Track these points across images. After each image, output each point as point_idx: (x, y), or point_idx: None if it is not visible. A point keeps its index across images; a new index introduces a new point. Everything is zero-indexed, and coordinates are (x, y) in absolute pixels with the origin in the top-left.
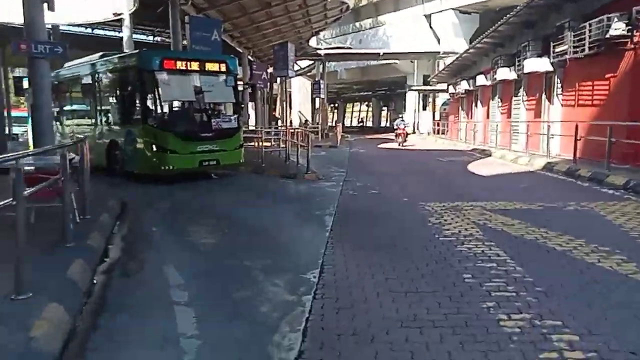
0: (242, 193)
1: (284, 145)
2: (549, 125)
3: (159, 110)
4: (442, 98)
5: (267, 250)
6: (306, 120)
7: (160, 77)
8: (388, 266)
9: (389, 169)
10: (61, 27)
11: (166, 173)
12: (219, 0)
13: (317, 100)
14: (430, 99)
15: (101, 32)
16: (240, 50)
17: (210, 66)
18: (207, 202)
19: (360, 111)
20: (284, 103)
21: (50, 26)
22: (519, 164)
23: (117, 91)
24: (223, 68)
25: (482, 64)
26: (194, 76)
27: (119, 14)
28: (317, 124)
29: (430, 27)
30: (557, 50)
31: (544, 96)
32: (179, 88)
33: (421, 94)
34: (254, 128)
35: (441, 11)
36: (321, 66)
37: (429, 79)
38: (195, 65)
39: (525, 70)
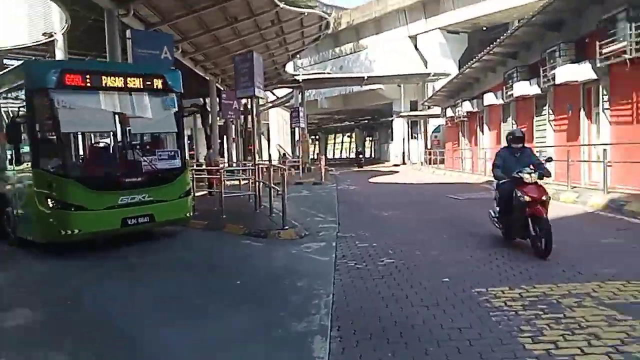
0: (178, 274)
1: (254, 185)
2: (604, 150)
3: (57, 148)
4: (433, 124)
5: None
6: (284, 154)
7: (58, 98)
8: None
9: (395, 214)
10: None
11: (72, 240)
12: (172, 13)
13: (297, 131)
14: (423, 127)
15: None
16: (207, 78)
17: (140, 82)
18: (110, 299)
19: (343, 142)
20: (261, 136)
21: None
22: (565, 202)
23: (3, 123)
24: (159, 85)
25: (487, 81)
26: (114, 96)
27: (51, 35)
28: (298, 157)
29: (417, 49)
30: (605, 51)
31: (582, 113)
32: (89, 114)
33: (410, 121)
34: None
35: (427, 31)
36: (300, 94)
37: (418, 104)
38: (115, 82)
39: (558, 81)
